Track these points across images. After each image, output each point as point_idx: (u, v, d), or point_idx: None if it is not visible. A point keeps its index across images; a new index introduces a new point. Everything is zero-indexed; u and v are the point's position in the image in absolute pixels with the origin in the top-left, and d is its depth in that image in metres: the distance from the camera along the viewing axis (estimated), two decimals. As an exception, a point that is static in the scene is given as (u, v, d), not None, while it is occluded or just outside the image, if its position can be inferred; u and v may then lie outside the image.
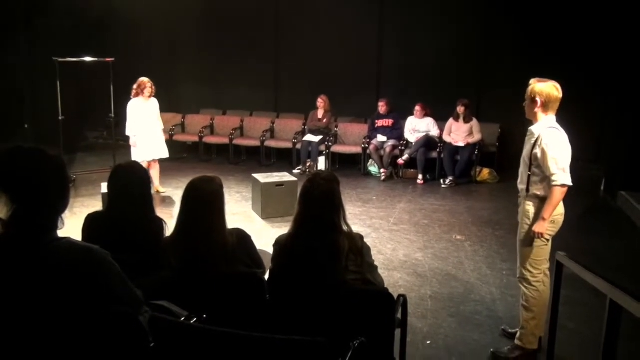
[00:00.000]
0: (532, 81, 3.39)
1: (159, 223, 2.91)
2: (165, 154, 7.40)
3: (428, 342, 3.71)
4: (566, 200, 3.33)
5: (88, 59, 8.37)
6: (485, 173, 8.60)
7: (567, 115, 3.31)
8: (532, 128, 3.41)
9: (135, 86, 7.16)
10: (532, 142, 3.35)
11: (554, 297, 3.19)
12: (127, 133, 7.20)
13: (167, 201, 6.98)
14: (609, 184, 7.80)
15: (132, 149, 7.23)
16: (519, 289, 3.59)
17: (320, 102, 9.32)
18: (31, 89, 9.67)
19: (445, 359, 3.53)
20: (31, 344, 1.71)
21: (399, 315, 2.66)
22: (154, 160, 7.26)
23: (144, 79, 7.17)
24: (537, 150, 3.30)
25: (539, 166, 3.33)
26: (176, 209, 2.58)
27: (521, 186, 3.50)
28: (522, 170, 3.49)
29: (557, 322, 3.22)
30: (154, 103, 7.27)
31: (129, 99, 7.21)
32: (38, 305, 1.69)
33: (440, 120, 8.81)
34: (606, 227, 6.52)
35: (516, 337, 3.55)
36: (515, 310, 3.67)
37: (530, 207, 3.41)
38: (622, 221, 6.66)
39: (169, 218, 2.84)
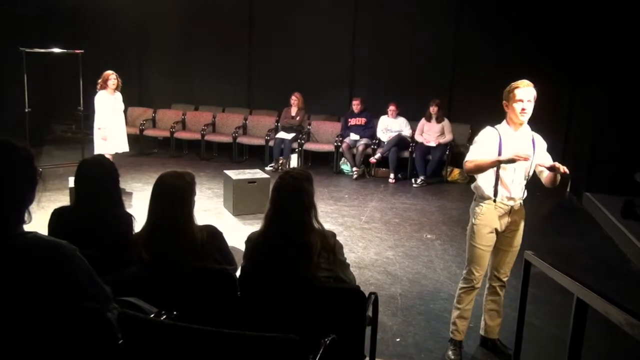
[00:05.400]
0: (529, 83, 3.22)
1: (128, 218, 2.87)
2: (126, 148, 7.39)
3: (398, 340, 3.75)
4: (533, 200, 3.38)
5: (56, 50, 8.18)
6: (455, 173, 8.71)
7: (533, 117, 3.32)
8: (533, 134, 3.37)
9: (100, 80, 7.09)
10: (534, 146, 3.32)
11: (522, 295, 3.24)
12: (96, 126, 7.10)
13: (137, 196, 6.88)
14: (575, 185, 7.98)
15: (96, 142, 7.14)
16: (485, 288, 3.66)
17: (294, 99, 9.29)
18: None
19: (414, 355, 3.57)
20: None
21: (370, 313, 2.67)
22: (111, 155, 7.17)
23: (108, 72, 7.11)
24: (545, 150, 3.36)
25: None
26: (146, 204, 2.53)
27: (518, 195, 3.38)
28: (517, 180, 3.35)
29: (524, 320, 3.28)
30: (119, 97, 7.20)
31: (96, 92, 7.12)
32: (3, 299, 1.65)
33: (413, 120, 8.89)
34: (572, 227, 6.68)
35: (498, 332, 3.65)
36: (479, 310, 3.73)
37: (523, 211, 3.46)
38: (587, 221, 6.83)
39: (140, 213, 2.79)
